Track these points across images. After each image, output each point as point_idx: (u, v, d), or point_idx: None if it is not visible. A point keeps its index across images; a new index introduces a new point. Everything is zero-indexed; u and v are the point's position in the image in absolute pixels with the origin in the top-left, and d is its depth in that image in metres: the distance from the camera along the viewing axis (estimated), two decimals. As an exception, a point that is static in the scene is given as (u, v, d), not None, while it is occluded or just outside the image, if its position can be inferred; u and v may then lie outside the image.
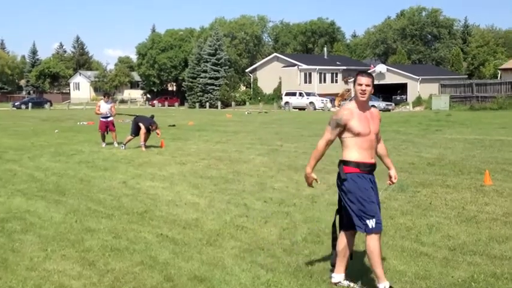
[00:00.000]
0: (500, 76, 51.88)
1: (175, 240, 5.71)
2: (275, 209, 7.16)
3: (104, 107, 15.68)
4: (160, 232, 6.03)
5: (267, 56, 64.82)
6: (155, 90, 76.97)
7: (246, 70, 65.22)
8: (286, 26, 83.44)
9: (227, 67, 62.02)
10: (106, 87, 77.52)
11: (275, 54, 62.63)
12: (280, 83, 57.72)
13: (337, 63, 60.50)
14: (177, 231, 6.10)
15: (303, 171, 4.54)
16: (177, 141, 17.15)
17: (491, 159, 11.49)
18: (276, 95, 56.80)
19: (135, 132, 14.82)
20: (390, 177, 4.55)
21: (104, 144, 15.43)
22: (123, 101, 75.57)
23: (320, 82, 56.81)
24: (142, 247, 5.49)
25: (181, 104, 66.53)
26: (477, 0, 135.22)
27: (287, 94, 51.87)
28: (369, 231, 4.07)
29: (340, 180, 4.22)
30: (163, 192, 8.46)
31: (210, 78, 60.19)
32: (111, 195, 8.24)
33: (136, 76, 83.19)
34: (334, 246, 4.50)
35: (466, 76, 55.77)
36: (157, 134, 15.02)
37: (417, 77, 48.70)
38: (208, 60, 60.64)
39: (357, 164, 4.16)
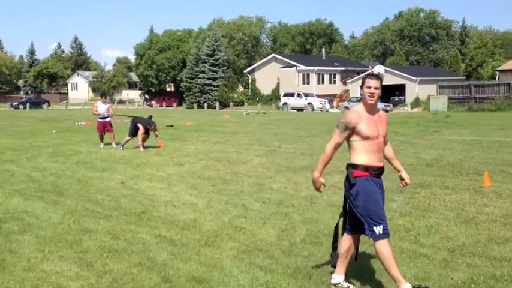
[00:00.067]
0: (498, 77, 51.95)
1: (173, 241, 5.69)
2: (273, 210, 7.14)
3: (101, 107, 15.67)
4: (158, 233, 6.01)
5: (265, 57, 64.84)
6: (153, 90, 76.92)
7: (244, 71, 65.24)
8: (285, 26, 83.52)
9: (225, 68, 62.04)
10: (104, 88, 77.51)
11: (273, 55, 62.67)
12: (278, 83, 57.74)
13: (335, 64, 60.57)
14: (175, 232, 6.08)
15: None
16: (175, 141, 17.12)
17: (489, 160, 11.49)
18: (274, 96, 56.85)
19: (133, 133, 14.81)
20: (402, 179, 4.51)
21: (101, 145, 15.40)
22: (121, 102, 75.58)
23: (318, 83, 56.86)
24: (141, 248, 5.46)
25: (180, 104, 66.57)
26: (475, 1, 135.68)
27: (285, 95, 51.91)
28: (376, 237, 4.04)
29: (349, 184, 4.16)
30: (162, 192, 8.44)
31: (208, 78, 60.19)
32: (109, 195, 8.21)
33: (134, 76, 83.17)
34: (334, 248, 4.48)
35: (464, 77, 55.86)
36: (156, 135, 15.03)
37: (415, 78, 48.78)
38: (206, 60, 60.64)
39: (366, 168, 4.11)
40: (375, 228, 4.03)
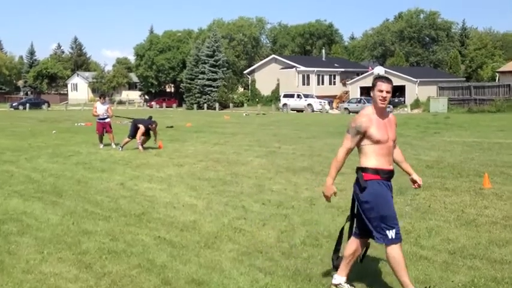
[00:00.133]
0: (498, 79, 52.01)
1: (172, 243, 5.67)
2: (273, 211, 7.12)
3: (100, 108, 15.68)
4: (157, 234, 5.99)
5: (265, 58, 64.88)
6: (153, 91, 76.93)
7: (244, 72, 65.25)
8: (285, 27, 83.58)
9: (225, 68, 62.03)
10: (104, 88, 77.50)
11: (273, 56, 62.69)
12: (278, 84, 57.75)
13: (335, 65, 60.61)
14: (174, 233, 6.06)
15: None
16: (175, 142, 17.11)
17: (490, 162, 11.47)
18: (274, 97, 56.84)
19: (133, 134, 14.80)
20: (414, 181, 4.48)
21: (101, 146, 15.39)
22: (121, 102, 75.52)
23: (318, 84, 56.90)
24: (140, 250, 5.44)
25: (179, 105, 66.54)
26: (475, 3, 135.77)
27: (285, 96, 51.92)
28: (388, 242, 3.98)
29: (360, 188, 4.11)
30: (161, 194, 8.41)
31: (208, 79, 60.18)
32: (109, 197, 8.19)
33: (134, 77, 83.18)
34: (336, 250, 4.45)
35: (464, 79, 55.86)
36: (154, 134, 15.02)
37: (415, 80, 48.80)
38: (206, 61, 60.64)
39: (376, 171, 4.07)
40: (387, 232, 3.97)
